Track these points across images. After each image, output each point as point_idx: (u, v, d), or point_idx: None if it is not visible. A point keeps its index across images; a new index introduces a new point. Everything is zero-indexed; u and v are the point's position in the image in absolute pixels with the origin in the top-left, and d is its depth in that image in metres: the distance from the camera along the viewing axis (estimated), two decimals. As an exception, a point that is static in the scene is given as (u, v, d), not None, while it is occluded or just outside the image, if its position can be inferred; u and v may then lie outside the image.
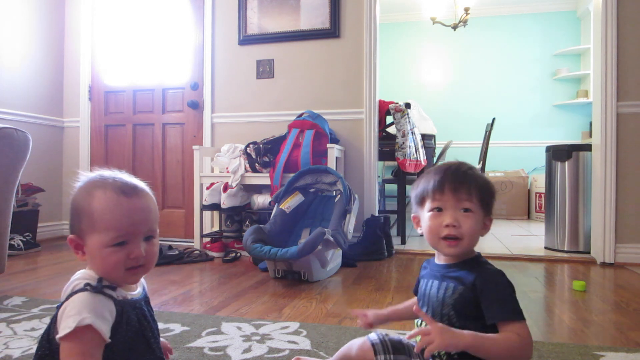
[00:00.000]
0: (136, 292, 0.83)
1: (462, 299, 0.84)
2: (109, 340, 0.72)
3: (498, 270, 0.87)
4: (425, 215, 0.91)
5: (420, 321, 0.92)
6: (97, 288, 0.74)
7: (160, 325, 1.43)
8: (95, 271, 0.79)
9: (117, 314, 0.75)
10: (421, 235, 0.95)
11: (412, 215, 0.99)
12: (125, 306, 0.77)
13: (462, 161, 0.94)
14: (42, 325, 1.46)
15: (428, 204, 0.90)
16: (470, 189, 0.88)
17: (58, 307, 0.77)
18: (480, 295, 0.82)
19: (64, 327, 0.70)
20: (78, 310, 0.70)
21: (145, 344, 0.81)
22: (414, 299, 1.03)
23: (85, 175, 0.81)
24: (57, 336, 0.70)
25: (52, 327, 0.76)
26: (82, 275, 0.78)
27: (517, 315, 0.81)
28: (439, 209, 0.88)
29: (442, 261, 0.93)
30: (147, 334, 0.81)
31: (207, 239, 2.91)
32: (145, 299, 0.86)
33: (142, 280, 0.90)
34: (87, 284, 0.74)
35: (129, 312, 0.77)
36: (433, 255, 1.00)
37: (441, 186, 0.88)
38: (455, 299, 0.85)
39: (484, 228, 0.90)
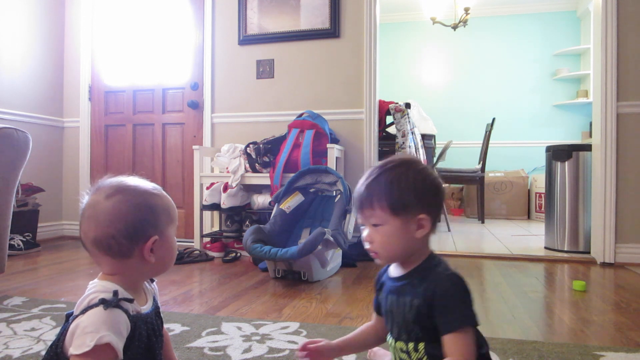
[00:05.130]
0: (146, 305, 0.83)
1: (420, 313, 0.80)
2: (122, 358, 0.72)
3: (450, 274, 0.82)
4: None
5: (391, 340, 0.88)
6: (114, 302, 0.73)
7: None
8: (162, 267, 0.84)
9: (130, 329, 0.75)
10: None
11: None
12: (138, 321, 0.77)
13: (382, 163, 0.88)
14: (42, 325, 1.46)
15: None
16: (372, 202, 0.84)
17: (69, 318, 0.76)
18: (431, 306, 0.79)
19: (81, 345, 0.69)
20: (96, 328, 0.69)
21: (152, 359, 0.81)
22: (362, 328, 1.00)
23: (109, 183, 0.82)
24: (72, 353, 0.69)
25: (61, 339, 0.74)
26: (98, 287, 0.77)
27: (463, 321, 0.77)
28: (363, 225, 0.88)
29: (395, 273, 0.89)
30: (155, 350, 0.81)
31: (207, 239, 2.91)
32: (156, 311, 0.86)
33: (156, 288, 0.90)
34: (103, 299, 0.73)
35: (140, 327, 0.77)
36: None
37: (354, 205, 0.90)
38: (415, 315, 0.81)
39: (420, 228, 0.83)
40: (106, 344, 0.69)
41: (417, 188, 0.84)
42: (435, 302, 0.78)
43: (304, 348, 0.97)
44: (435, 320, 0.79)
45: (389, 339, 0.89)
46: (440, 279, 0.81)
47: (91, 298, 0.74)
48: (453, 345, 0.77)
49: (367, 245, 0.87)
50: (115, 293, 0.75)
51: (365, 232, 0.87)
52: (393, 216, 0.83)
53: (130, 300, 0.77)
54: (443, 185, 0.89)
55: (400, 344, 0.85)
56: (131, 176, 0.84)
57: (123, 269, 0.79)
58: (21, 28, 3.26)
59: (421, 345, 0.82)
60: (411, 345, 0.83)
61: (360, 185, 0.87)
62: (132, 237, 0.78)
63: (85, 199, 0.82)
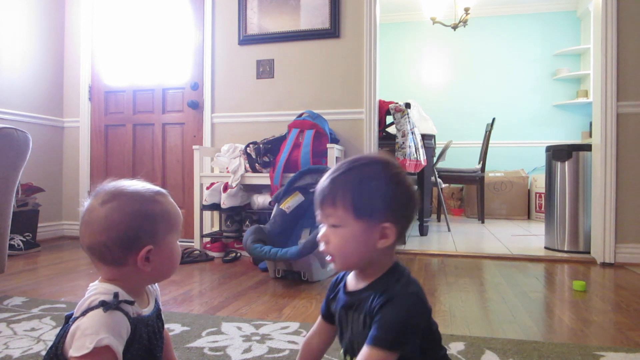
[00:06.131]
0: (149, 307, 0.83)
1: None
2: None
3: (407, 294, 0.74)
4: None
5: (345, 354, 0.82)
6: (114, 304, 0.73)
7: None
8: (160, 274, 0.82)
9: (130, 331, 0.74)
10: None
11: None
12: (138, 324, 0.77)
13: (355, 158, 0.79)
14: (42, 325, 1.46)
15: None
16: (335, 200, 0.75)
17: (69, 319, 0.76)
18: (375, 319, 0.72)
19: (80, 347, 0.69)
20: (96, 330, 0.69)
21: None
22: (305, 345, 0.92)
23: (106, 188, 0.80)
24: (72, 355, 0.69)
25: (61, 341, 0.74)
26: (99, 289, 0.76)
27: (393, 345, 0.69)
28: (321, 224, 0.79)
29: (352, 285, 0.81)
30: (155, 353, 0.81)
31: (207, 239, 2.91)
32: (157, 313, 0.85)
33: (157, 290, 0.90)
34: (103, 301, 0.73)
35: (141, 329, 0.77)
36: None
37: (315, 200, 0.79)
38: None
39: (383, 238, 0.75)
40: (105, 346, 0.69)
41: (388, 193, 0.75)
42: (377, 316, 0.72)
43: None
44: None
45: (342, 351, 0.84)
46: (394, 297, 0.72)
47: (91, 300, 0.74)
48: (365, 356, 0.70)
49: (321, 247, 0.79)
50: (116, 295, 0.75)
51: (321, 231, 0.78)
52: (355, 219, 0.74)
53: (131, 303, 0.77)
54: (416, 196, 0.80)
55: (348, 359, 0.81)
56: (134, 180, 0.82)
57: (119, 276, 0.78)
58: (21, 28, 3.26)
59: None
60: None
61: (324, 179, 0.78)
62: (125, 246, 0.76)
63: (86, 202, 0.80)
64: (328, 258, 0.79)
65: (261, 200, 2.78)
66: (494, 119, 4.62)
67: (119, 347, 0.70)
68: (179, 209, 0.85)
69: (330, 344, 0.92)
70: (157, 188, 0.84)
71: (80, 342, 0.69)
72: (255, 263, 2.53)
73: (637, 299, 1.87)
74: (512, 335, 1.43)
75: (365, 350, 0.71)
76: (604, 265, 2.60)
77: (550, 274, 2.41)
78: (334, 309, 0.84)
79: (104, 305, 0.72)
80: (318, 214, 0.79)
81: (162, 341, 0.85)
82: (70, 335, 0.72)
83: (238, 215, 2.82)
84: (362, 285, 0.79)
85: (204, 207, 2.84)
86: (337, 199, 0.75)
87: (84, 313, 0.72)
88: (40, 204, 3.15)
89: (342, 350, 0.84)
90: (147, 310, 0.81)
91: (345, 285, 0.84)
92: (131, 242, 0.76)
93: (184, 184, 3.34)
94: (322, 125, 2.76)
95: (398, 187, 0.76)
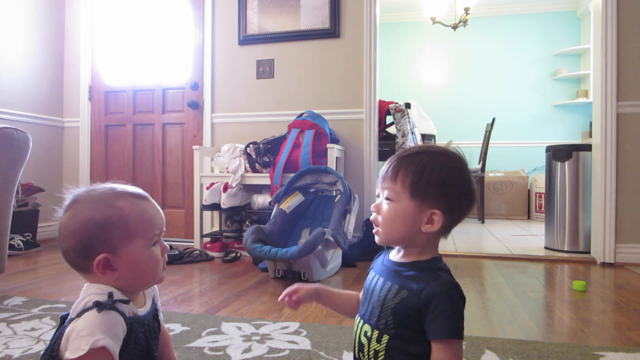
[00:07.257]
0: (145, 307, 0.83)
1: (404, 306, 0.77)
2: None
3: (451, 281, 0.78)
4: None
5: (359, 319, 0.85)
6: (109, 304, 0.73)
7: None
8: (132, 282, 0.79)
9: (127, 331, 0.74)
10: None
11: None
12: (134, 323, 0.76)
13: (426, 145, 0.84)
14: (42, 325, 1.46)
15: None
16: (396, 175, 0.80)
17: (63, 320, 0.76)
18: (425, 307, 0.75)
19: (76, 349, 0.68)
20: (91, 331, 0.69)
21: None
22: (348, 291, 0.97)
23: (73, 194, 0.79)
24: (68, 357, 0.69)
25: (56, 342, 0.74)
26: (93, 290, 0.76)
27: (451, 333, 0.73)
28: (378, 196, 0.85)
29: (396, 258, 0.85)
30: (152, 351, 0.81)
31: (207, 239, 2.91)
32: (154, 313, 0.85)
33: (156, 289, 0.89)
34: (97, 302, 0.72)
35: (137, 329, 0.77)
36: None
37: (380, 173, 0.86)
38: (397, 304, 0.77)
39: (429, 223, 0.79)
40: (101, 347, 0.68)
41: (447, 183, 0.79)
42: (432, 304, 0.74)
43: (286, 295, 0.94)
44: (420, 322, 0.75)
45: (357, 318, 0.86)
46: (442, 283, 0.76)
47: (86, 301, 0.74)
48: (443, 352, 0.74)
49: (372, 216, 0.84)
50: (110, 295, 0.74)
51: (376, 202, 0.85)
52: (410, 197, 0.79)
53: (126, 302, 0.76)
54: (475, 195, 0.83)
55: (366, 327, 0.82)
56: (109, 182, 0.81)
57: (95, 281, 0.78)
58: (21, 28, 3.26)
59: (385, 338, 0.78)
60: (375, 333, 0.79)
61: (392, 157, 0.84)
62: (82, 255, 0.76)
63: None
64: (374, 230, 0.84)
65: (261, 200, 2.78)
66: (494, 119, 4.62)
67: (115, 348, 0.70)
68: (152, 211, 0.81)
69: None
70: (127, 190, 0.80)
71: (75, 343, 0.69)
72: (255, 263, 2.53)
73: (637, 299, 1.87)
74: (512, 335, 1.43)
75: (443, 344, 0.73)
76: (604, 265, 2.60)
77: (550, 274, 2.41)
78: (368, 277, 0.89)
79: (98, 305, 0.72)
80: (378, 186, 0.85)
81: (157, 341, 0.84)
82: (66, 337, 0.71)
83: (238, 215, 2.82)
84: (403, 260, 0.83)
85: (204, 207, 2.84)
86: (398, 175, 0.80)
87: (79, 314, 0.72)
88: (40, 204, 3.15)
89: (358, 317, 0.86)
90: (143, 310, 0.81)
91: (387, 256, 0.89)
92: (87, 251, 0.76)
93: (184, 184, 3.34)
94: (322, 125, 2.76)
95: (457, 181, 0.80)
